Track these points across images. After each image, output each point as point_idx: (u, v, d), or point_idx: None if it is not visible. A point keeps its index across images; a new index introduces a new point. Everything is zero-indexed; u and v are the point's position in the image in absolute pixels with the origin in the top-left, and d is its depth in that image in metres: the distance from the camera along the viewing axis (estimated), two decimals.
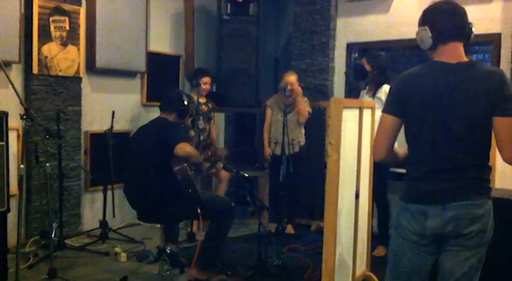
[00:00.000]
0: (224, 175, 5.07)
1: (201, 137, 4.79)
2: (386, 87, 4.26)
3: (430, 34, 2.02)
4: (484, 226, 2.00)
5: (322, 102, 5.34)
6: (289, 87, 4.87)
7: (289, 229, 5.05)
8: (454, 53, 2.02)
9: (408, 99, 2.01)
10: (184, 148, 3.26)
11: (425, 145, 2.02)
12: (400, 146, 2.26)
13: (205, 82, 4.92)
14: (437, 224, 1.98)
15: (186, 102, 3.60)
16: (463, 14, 2.05)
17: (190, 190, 3.27)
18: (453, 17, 2.03)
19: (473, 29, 2.06)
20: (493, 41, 4.77)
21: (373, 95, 4.33)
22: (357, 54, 5.65)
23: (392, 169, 4.47)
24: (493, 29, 4.74)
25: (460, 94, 1.95)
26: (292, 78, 4.95)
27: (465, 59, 2.02)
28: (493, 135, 2.03)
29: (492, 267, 2.76)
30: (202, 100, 4.93)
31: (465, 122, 1.96)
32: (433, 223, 1.99)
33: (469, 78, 1.96)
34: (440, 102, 1.96)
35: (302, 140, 5.05)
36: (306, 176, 5.27)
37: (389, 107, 2.07)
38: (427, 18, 2.08)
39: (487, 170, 2.04)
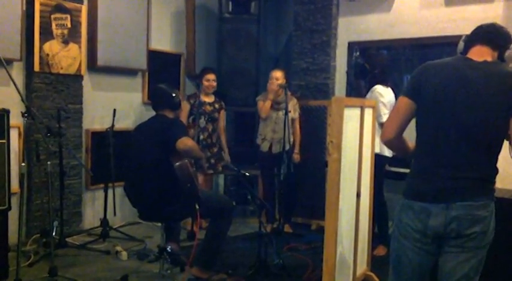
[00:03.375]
0: (201, 180, 5.00)
1: (201, 136, 4.78)
2: (377, 89, 4.20)
3: (463, 38, 2.15)
4: (486, 227, 2.00)
5: (322, 101, 5.33)
6: (274, 81, 4.86)
7: (287, 228, 5.05)
8: (481, 53, 2.06)
9: (424, 86, 2.02)
10: (186, 142, 3.27)
11: (431, 137, 2.02)
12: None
13: (208, 79, 4.91)
14: (439, 223, 1.98)
15: (174, 94, 3.58)
16: (501, 31, 2.12)
17: (189, 185, 3.26)
18: (486, 28, 2.12)
19: (509, 46, 2.10)
20: None
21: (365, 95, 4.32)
22: (358, 53, 5.64)
23: (391, 169, 4.48)
24: None
25: (477, 90, 1.95)
26: (278, 74, 4.93)
27: (490, 59, 2.05)
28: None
29: (493, 267, 2.77)
30: (208, 99, 4.92)
31: (480, 119, 1.95)
32: (436, 222, 1.98)
33: (488, 76, 1.97)
34: (455, 97, 1.97)
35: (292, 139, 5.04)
36: (305, 175, 5.27)
37: (406, 91, 2.10)
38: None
39: (494, 171, 2.04)
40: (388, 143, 2.14)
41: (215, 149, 5.00)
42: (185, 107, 4.74)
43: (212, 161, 4.99)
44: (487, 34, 2.09)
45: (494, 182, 2.05)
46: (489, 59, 2.04)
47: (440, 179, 1.99)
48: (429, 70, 2.06)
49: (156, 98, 3.64)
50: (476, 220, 1.97)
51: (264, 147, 5.01)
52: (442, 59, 2.12)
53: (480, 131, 1.96)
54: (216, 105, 5.00)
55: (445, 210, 1.97)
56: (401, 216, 2.10)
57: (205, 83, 4.88)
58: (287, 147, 4.78)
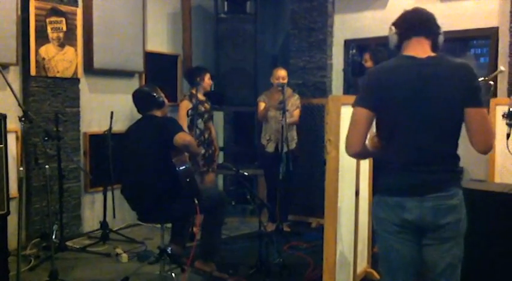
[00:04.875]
0: (210, 178, 5.02)
1: (206, 135, 4.78)
2: None
3: (394, 31, 2.14)
4: (459, 216, 2.05)
5: (320, 100, 5.34)
6: (281, 80, 4.89)
7: (286, 227, 5.05)
8: (420, 47, 2.08)
9: (383, 93, 2.03)
10: (183, 137, 3.30)
11: (405, 137, 2.04)
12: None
13: (210, 77, 4.91)
14: (415, 216, 2.02)
15: (155, 94, 3.58)
16: (429, 16, 2.14)
17: (188, 179, 3.28)
18: (416, 17, 2.13)
19: (441, 31, 2.14)
20: (490, 35, 4.77)
21: None
22: (354, 51, 5.65)
23: None
24: (491, 23, 4.75)
25: (435, 86, 2.00)
26: (283, 72, 4.97)
27: (433, 53, 2.08)
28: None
29: (493, 260, 2.77)
30: (203, 98, 4.88)
31: (442, 113, 2.01)
32: (411, 216, 2.02)
33: (440, 71, 2.01)
34: (417, 95, 2.00)
35: (296, 138, 5.05)
36: (305, 174, 5.27)
37: (362, 101, 2.06)
38: (396, 20, 2.18)
39: (458, 160, 2.09)
40: (355, 156, 2.19)
41: (212, 148, 5.02)
42: (187, 105, 4.68)
43: (209, 159, 4.98)
44: (420, 24, 2.10)
45: (461, 171, 2.12)
46: (431, 53, 2.07)
47: (414, 174, 2.03)
48: (382, 77, 2.06)
49: (141, 101, 3.64)
50: (449, 208, 2.02)
51: (270, 147, 5.01)
52: (386, 62, 2.13)
53: (446, 125, 2.02)
54: (207, 105, 5.00)
55: (420, 202, 2.01)
56: (377, 212, 2.13)
57: (208, 82, 4.87)
58: (292, 146, 4.79)
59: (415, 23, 2.10)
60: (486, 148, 2.01)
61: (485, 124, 2.00)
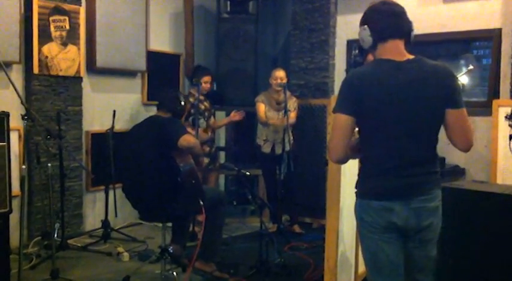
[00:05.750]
0: (213, 177, 5.04)
1: (208, 134, 4.80)
2: None
3: (369, 33, 2.07)
4: (439, 216, 2.10)
5: (322, 100, 5.33)
6: (279, 81, 4.89)
7: (297, 229, 5.05)
8: (396, 50, 2.05)
9: (363, 98, 2.00)
10: (188, 139, 3.32)
11: (387, 141, 2.03)
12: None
13: (207, 81, 4.91)
14: (402, 218, 2.02)
15: (183, 103, 3.64)
16: (402, 13, 2.09)
17: (194, 181, 3.30)
18: (390, 16, 2.07)
19: (413, 28, 2.10)
20: (493, 36, 4.76)
21: None
22: (357, 51, 5.64)
23: None
24: (493, 24, 4.74)
25: (415, 90, 2.00)
26: (281, 73, 4.96)
27: (409, 56, 2.06)
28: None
29: (494, 262, 2.76)
30: (202, 97, 4.91)
31: (423, 116, 2.01)
32: (398, 219, 2.02)
33: (420, 74, 2.01)
34: (398, 99, 1.99)
35: (291, 139, 5.05)
36: (306, 174, 5.27)
37: (343, 107, 2.02)
38: (367, 18, 2.11)
39: (438, 161, 2.13)
40: (339, 162, 2.18)
41: (214, 146, 5.04)
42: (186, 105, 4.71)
43: (213, 157, 5.01)
44: (395, 24, 2.05)
45: (440, 172, 2.14)
46: (409, 56, 2.06)
47: (399, 177, 2.03)
48: (361, 82, 2.02)
49: (166, 99, 3.66)
50: (431, 210, 2.05)
51: (266, 148, 5.01)
52: (363, 67, 2.13)
53: (427, 127, 2.04)
54: (206, 104, 5.01)
55: (404, 206, 2.02)
56: (362, 216, 2.11)
57: (204, 85, 4.87)
58: (287, 147, 4.79)
59: (389, 25, 2.05)
60: (468, 146, 2.06)
61: (465, 124, 2.04)
